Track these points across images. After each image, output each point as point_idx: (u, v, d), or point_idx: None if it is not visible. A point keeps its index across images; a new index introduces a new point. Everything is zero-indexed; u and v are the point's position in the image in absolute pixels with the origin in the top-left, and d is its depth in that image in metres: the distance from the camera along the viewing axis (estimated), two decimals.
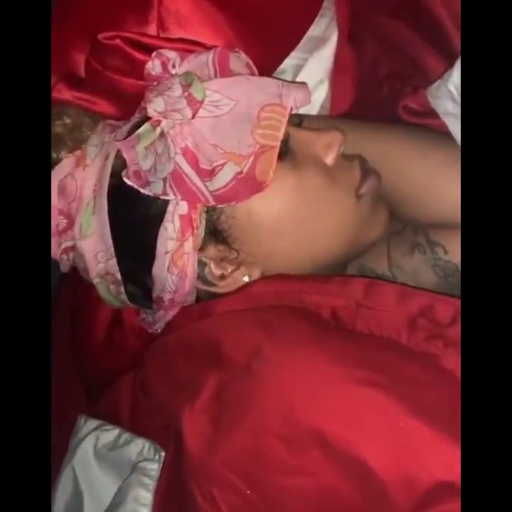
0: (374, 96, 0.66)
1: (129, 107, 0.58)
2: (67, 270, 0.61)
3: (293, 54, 0.64)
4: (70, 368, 0.70)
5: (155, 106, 0.52)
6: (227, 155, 0.53)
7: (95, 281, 0.59)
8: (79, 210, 0.57)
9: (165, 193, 0.53)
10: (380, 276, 0.61)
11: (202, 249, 0.56)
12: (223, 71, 0.56)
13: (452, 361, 0.48)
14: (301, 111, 0.59)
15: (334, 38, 0.65)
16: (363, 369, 0.47)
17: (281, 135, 0.53)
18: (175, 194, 0.53)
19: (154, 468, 0.55)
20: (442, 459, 0.43)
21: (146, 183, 0.53)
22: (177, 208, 0.54)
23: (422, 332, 0.51)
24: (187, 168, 0.53)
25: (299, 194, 0.55)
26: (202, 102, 0.53)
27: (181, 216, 0.54)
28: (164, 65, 0.56)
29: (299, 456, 0.46)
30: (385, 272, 0.62)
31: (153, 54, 0.57)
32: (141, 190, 0.53)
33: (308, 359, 0.48)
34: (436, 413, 0.44)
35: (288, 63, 0.64)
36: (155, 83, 0.57)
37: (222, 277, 0.57)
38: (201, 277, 0.57)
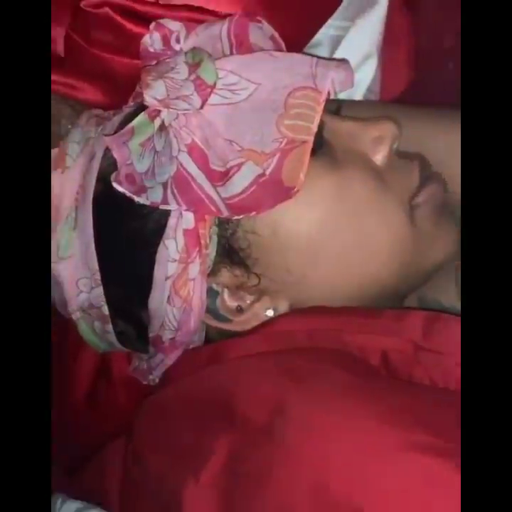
0: (436, 75, 0.67)
1: (121, 94, 0.60)
2: None
3: (331, 22, 0.65)
4: None
5: (154, 92, 0.53)
6: (246, 153, 0.54)
7: (75, 316, 0.60)
8: (56, 224, 0.58)
9: (165, 202, 0.54)
10: (448, 310, 0.61)
11: (213, 274, 0.57)
12: (241, 46, 0.58)
13: None
14: (342, 95, 0.60)
15: (385, 1, 0.67)
16: (422, 432, 0.46)
17: (315, 127, 0.54)
18: (178, 202, 0.54)
19: None
20: None
21: (142, 190, 0.54)
22: (180, 221, 0.55)
23: None
24: (193, 169, 0.54)
25: (340, 203, 0.56)
26: (214, 87, 0.54)
27: (186, 231, 0.55)
28: (166, 39, 0.58)
29: None
30: (454, 305, 0.62)
31: (152, 25, 0.58)
32: (136, 199, 0.54)
33: (347, 418, 0.48)
34: None
35: (324, 34, 0.66)
36: (154, 62, 0.58)
37: (239, 311, 0.58)
38: (212, 311, 0.58)
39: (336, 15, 0.64)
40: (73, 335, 0.66)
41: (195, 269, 0.55)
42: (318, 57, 0.56)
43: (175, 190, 0.54)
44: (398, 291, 0.60)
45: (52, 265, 0.58)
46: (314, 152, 0.55)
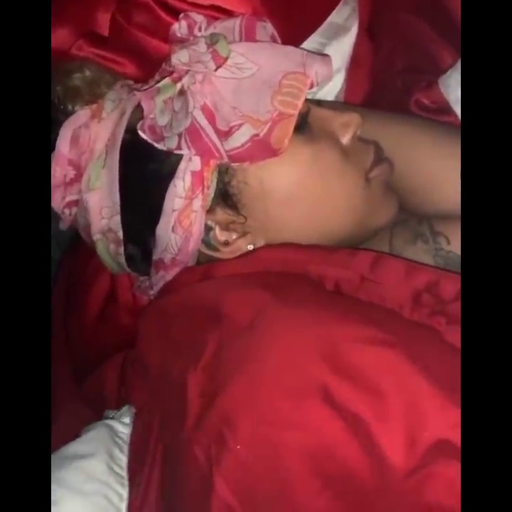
0: (387, 89, 0.67)
1: (150, 69, 0.58)
2: (66, 227, 0.61)
3: (314, 37, 0.65)
4: (61, 350, 0.68)
5: (179, 56, 0.53)
6: (246, 117, 0.53)
7: (96, 237, 0.58)
8: (89, 162, 0.57)
9: (179, 148, 0.53)
10: None
11: (210, 212, 0.56)
12: (248, 38, 0.57)
13: (454, 337, 0.48)
14: (320, 97, 0.61)
15: (354, 30, 0.67)
16: (371, 328, 0.47)
17: (300, 104, 0.53)
18: (189, 148, 0.53)
19: (125, 432, 0.55)
20: (444, 418, 0.43)
21: (161, 139, 0.53)
22: (189, 165, 0.54)
23: (426, 308, 0.51)
24: (204, 122, 0.53)
25: (312, 167, 0.55)
26: (226, 59, 0.54)
27: (193, 172, 0.54)
28: (190, 28, 0.57)
29: (299, 409, 0.45)
30: None
31: (181, 15, 0.58)
32: (156, 145, 0.53)
33: (315, 317, 0.48)
34: (440, 375, 0.44)
35: (308, 46, 0.64)
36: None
37: (226, 244, 0.57)
38: (205, 241, 0.57)
39: (318, 32, 0.64)
40: (91, 267, 0.65)
41: (197, 204, 0.54)
42: (308, 51, 0.55)
43: (187, 139, 0.53)
44: (346, 243, 0.58)
45: (83, 195, 0.57)
46: (299, 128, 0.54)
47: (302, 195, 0.55)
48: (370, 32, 0.68)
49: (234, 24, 0.57)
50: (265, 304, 0.49)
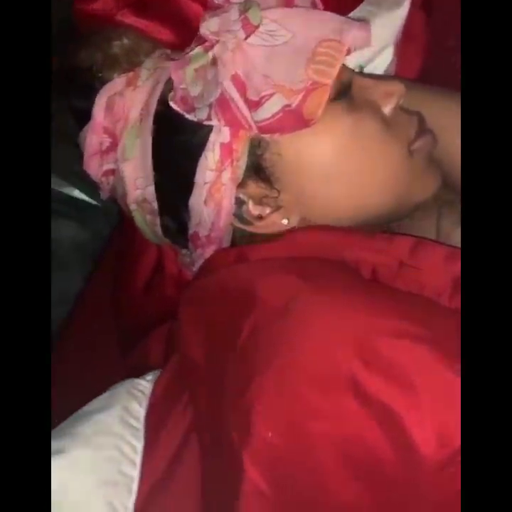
0: (440, 65, 0.64)
1: (189, 37, 0.56)
2: (106, 197, 0.60)
3: (364, 5, 0.62)
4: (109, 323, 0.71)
5: (208, 25, 0.52)
6: (277, 87, 0.51)
7: (132, 207, 0.57)
8: (124, 130, 0.55)
9: (209, 118, 0.51)
10: None
11: (242, 185, 0.54)
12: (287, 3, 0.54)
13: None
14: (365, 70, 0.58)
15: (407, 3, 0.64)
16: (406, 321, 0.45)
17: (335, 73, 0.51)
18: (218, 119, 0.51)
19: (146, 386, 0.55)
20: None
21: (192, 109, 0.52)
22: (219, 137, 0.52)
23: None
24: (234, 93, 0.51)
25: (352, 138, 0.53)
26: (257, 27, 0.51)
27: (222, 144, 0.52)
28: None
29: (331, 400, 0.44)
30: None
31: None
32: (186, 116, 0.52)
33: (348, 306, 0.46)
34: None
35: (356, 15, 0.62)
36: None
37: (260, 218, 0.55)
38: (238, 215, 0.55)
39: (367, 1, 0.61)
40: (139, 238, 0.64)
41: (226, 176, 0.53)
42: (346, 17, 0.53)
43: (217, 110, 0.51)
44: (386, 219, 0.56)
45: (119, 164, 0.56)
46: (337, 96, 0.52)
47: (341, 167, 0.53)
48: (424, 5, 0.64)
49: None
50: (298, 290, 0.48)
